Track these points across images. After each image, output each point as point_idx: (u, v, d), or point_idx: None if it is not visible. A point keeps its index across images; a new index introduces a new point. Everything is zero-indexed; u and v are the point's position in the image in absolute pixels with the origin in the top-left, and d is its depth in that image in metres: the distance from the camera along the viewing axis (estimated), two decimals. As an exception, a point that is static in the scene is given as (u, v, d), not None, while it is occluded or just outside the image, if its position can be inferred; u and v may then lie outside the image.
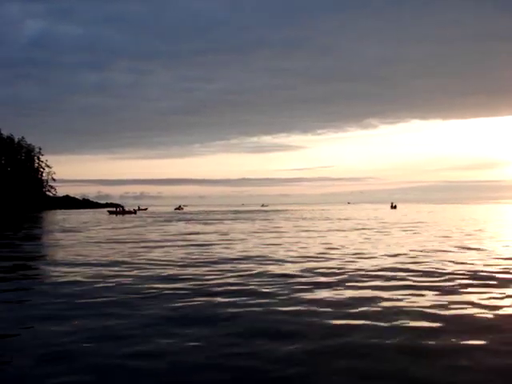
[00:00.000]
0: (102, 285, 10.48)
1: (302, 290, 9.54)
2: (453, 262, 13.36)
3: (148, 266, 13.30)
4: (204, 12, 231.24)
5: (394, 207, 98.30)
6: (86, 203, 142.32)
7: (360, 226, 32.33)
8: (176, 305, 8.35)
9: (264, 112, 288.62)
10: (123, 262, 14.21)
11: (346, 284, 10.22)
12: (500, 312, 7.65)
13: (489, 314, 7.47)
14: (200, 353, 5.78)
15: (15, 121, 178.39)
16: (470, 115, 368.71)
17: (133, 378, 5.10)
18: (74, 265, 13.84)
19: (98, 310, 7.97)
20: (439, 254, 15.47)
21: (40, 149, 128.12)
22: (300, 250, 17.50)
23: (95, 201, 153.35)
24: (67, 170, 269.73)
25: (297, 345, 6.02)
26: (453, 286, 9.83)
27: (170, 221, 48.33)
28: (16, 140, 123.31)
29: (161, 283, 10.57)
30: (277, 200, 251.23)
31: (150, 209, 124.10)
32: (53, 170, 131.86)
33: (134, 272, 12.29)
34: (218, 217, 59.38)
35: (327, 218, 48.45)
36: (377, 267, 12.53)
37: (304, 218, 49.61)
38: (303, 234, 26.18)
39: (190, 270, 12.45)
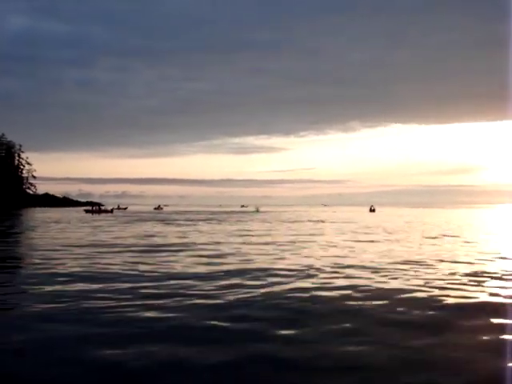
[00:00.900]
0: None
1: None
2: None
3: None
4: (189, 11, 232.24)
5: (372, 210, 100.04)
6: (66, 201, 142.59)
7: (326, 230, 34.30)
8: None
9: (247, 113, 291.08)
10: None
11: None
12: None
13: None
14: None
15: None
16: (448, 121, 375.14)
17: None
18: None
19: None
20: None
21: (20, 146, 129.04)
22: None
23: (76, 199, 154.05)
24: (49, 167, 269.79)
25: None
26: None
27: (143, 221, 49.99)
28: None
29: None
30: (258, 201, 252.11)
31: (130, 208, 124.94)
32: (33, 167, 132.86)
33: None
34: (193, 217, 60.97)
35: (306, 220, 50.48)
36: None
37: (281, 221, 51.44)
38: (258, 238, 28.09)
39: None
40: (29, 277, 12.59)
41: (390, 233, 30.65)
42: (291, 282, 11.74)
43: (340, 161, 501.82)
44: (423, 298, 9.95)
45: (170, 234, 29.69)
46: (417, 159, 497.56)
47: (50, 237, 26.19)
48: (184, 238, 26.37)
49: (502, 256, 17.34)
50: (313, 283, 11.64)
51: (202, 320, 8.11)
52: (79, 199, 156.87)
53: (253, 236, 27.85)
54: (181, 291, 10.52)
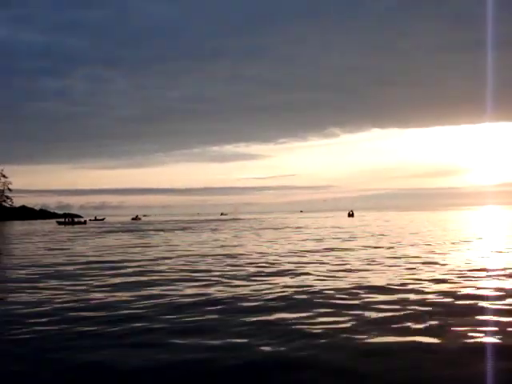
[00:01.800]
0: None
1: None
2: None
3: None
4: (164, 19, 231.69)
5: (351, 215, 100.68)
6: (43, 214, 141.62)
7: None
8: None
9: (225, 121, 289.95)
10: None
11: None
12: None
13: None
14: None
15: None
16: (429, 124, 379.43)
17: None
18: None
19: None
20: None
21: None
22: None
23: (53, 211, 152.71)
24: (27, 179, 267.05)
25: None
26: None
27: (113, 232, 49.64)
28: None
29: None
30: (241, 209, 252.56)
31: (108, 219, 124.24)
32: (9, 179, 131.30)
33: None
34: (169, 227, 60.63)
35: (284, 227, 50.47)
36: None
37: (255, 228, 51.36)
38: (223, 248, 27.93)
39: None
40: None
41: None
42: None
43: (321, 166, 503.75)
44: None
45: (122, 247, 28.20)
46: (398, 163, 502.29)
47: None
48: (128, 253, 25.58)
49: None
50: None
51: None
52: (58, 211, 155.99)
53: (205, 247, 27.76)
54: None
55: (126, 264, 18.13)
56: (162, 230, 50.86)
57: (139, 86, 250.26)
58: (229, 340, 7.42)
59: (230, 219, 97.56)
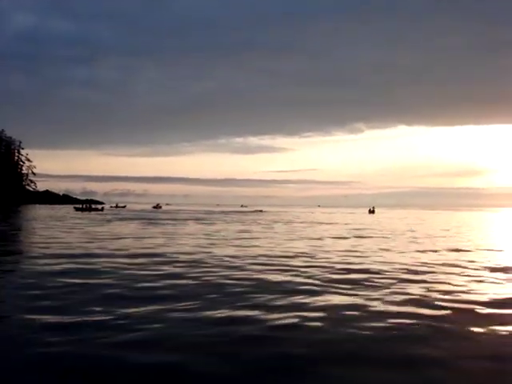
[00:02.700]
0: None
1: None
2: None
3: None
4: (197, 10, 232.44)
5: (372, 212, 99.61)
6: (66, 199, 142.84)
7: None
8: None
9: (251, 113, 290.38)
10: None
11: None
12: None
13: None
14: None
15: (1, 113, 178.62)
16: (455, 123, 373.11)
17: None
18: None
19: None
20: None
21: (20, 142, 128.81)
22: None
23: (76, 197, 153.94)
24: (53, 164, 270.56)
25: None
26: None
27: (129, 219, 49.65)
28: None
29: None
30: (261, 201, 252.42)
31: (130, 206, 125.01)
32: (33, 164, 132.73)
33: None
34: (184, 217, 60.47)
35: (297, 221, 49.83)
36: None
37: (274, 221, 50.78)
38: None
39: None
40: None
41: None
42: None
43: (345, 162, 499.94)
44: None
45: (119, 239, 26.16)
46: (423, 161, 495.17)
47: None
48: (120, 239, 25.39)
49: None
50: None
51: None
52: (82, 197, 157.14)
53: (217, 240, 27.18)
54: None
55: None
56: (176, 220, 50.66)
57: (168, 75, 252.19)
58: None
59: (251, 211, 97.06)
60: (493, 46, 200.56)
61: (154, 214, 68.33)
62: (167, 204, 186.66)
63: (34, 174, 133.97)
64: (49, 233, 27.58)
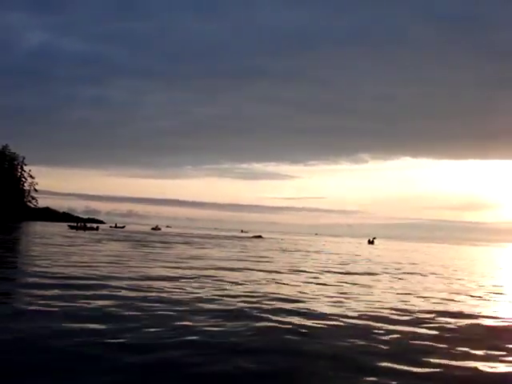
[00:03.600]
0: None
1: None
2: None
3: None
4: (205, 36, 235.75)
5: (371, 242, 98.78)
6: (66, 216, 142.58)
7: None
8: None
9: (256, 139, 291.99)
10: None
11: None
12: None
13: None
14: None
15: (5, 128, 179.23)
16: (460, 156, 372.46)
17: None
18: None
19: None
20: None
21: (24, 158, 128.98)
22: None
23: (78, 215, 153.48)
24: (57, 182, 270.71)
25: None
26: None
27: (119, 241, 49.11)
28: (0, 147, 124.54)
29: None
30: (264, 227, 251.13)
31: (130, 227, 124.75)
32: (35, 180, 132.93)
33: None
34: (176, 240, 60.04)
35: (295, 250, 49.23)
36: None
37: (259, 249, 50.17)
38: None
39: None
40: None
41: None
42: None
43: (349, 192, 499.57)
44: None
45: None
46: (427, 193, 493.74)
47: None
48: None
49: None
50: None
51: None
52: (84, 216, 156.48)
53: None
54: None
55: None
56: (165, 242, 50.19)
57: (175, 99, 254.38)
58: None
59: (249, 237, 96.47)
60: (496, 82, 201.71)
61: (148, 236, 67.93)
62: (167, 226, 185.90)
63: (36, 190, 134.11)
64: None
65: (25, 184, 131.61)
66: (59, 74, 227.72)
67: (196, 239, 67.20)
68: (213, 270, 21.86)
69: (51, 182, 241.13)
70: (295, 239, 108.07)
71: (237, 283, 17.58)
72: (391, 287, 19.17)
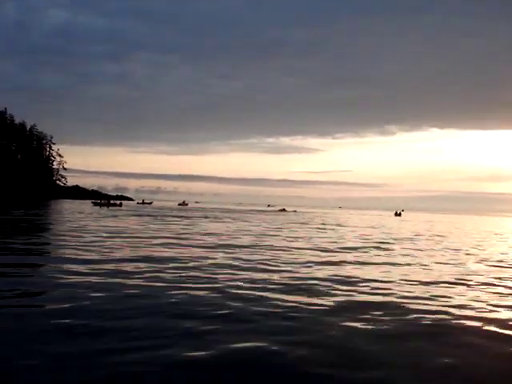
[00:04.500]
0: None
1: None
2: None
3: None
4: (227, 9, 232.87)
5: (398, 214, 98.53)
6: (95, 194, 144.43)
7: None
8: None
9: (282, 113, 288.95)
10: None
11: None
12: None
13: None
14: None
15: (32, 108, 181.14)
16: (489, 127, 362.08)
17: None
18: None
19: None
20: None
21: (51, 137, 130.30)
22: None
23: (107, 193, 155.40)
24: (85, 160, 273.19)
25: None
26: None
27: (142, 216, 49.05)
28: (28, 127, 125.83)
29: None
30: (291, 201, 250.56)
31: (158, 203, 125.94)
32: (64, 159, 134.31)
33: None
34: (199, 214, 59.99)
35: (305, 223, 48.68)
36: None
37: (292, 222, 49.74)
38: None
39: None
40: None
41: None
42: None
43: (376, 164, 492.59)
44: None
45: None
46: (456, 165, 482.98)
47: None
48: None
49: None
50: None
51: None
52: (114, 193, 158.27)
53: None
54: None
55: None
56: (182, 217, 50.13)
57: (199, 73, 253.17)
58: None
59: (274, 211, 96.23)
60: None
61: (170, 212, 68.12)
62: (196, 202, 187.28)
63: (65, 169, 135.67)
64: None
65: (53, 163, 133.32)
66: (81, 51, 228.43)
67: (217, 213, 67.26)
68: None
69: (79, 161, 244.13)
70: (323, 212, 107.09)
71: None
72: None
